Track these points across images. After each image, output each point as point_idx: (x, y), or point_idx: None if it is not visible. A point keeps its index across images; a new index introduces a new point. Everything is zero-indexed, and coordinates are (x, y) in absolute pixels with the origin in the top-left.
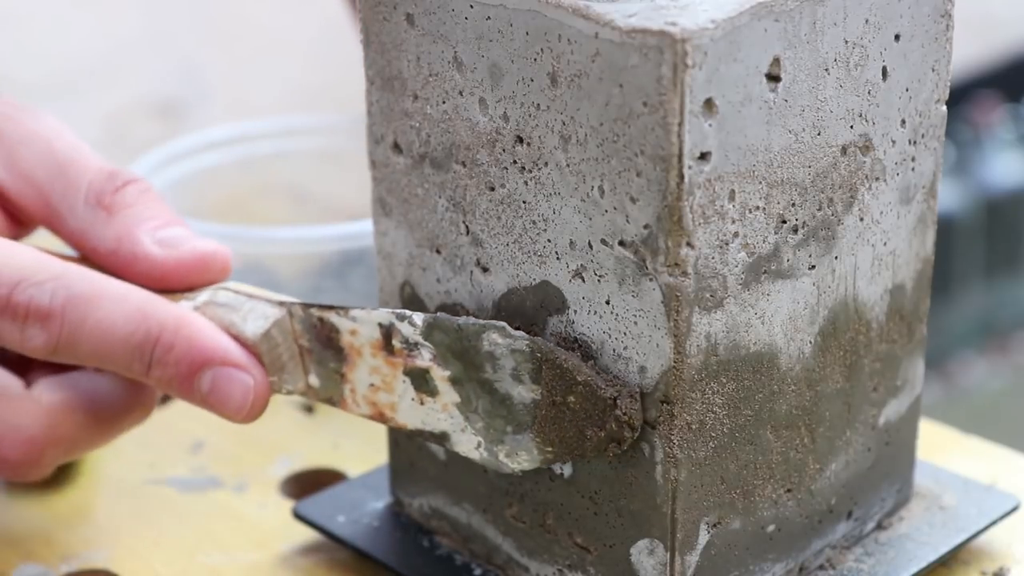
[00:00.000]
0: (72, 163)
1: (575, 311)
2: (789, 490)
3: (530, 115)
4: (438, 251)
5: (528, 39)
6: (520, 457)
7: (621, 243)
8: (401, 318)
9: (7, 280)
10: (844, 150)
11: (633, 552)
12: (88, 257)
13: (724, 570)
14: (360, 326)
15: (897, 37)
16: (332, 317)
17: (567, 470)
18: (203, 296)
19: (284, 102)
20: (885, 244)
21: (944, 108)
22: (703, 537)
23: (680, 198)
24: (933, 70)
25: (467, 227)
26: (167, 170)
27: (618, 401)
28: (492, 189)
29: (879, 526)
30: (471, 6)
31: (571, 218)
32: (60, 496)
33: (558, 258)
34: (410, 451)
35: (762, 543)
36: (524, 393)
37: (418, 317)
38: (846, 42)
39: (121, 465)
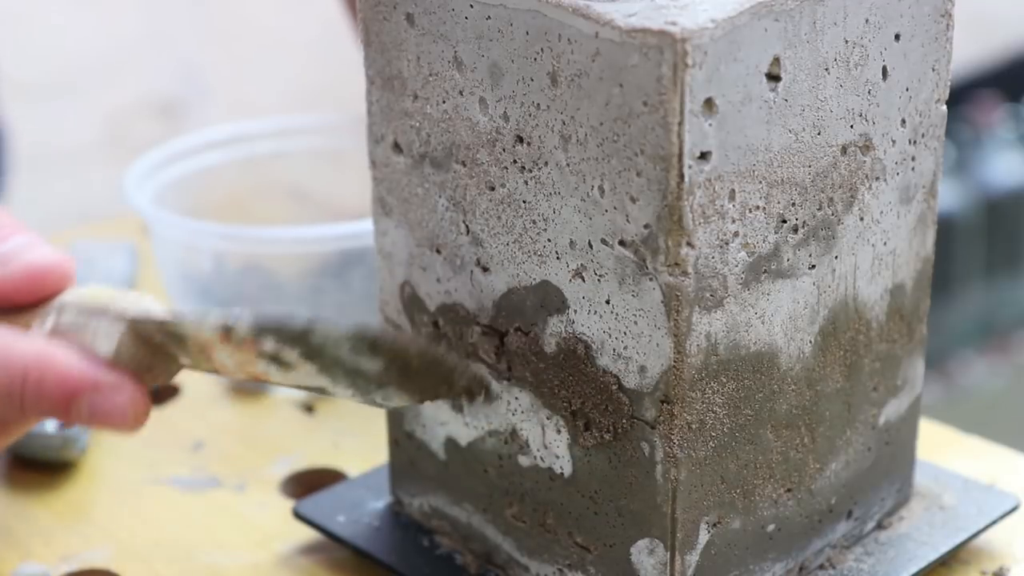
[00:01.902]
0: None
1: (575, 311)
2: (789, 490)
3: (530, 115)
4: (438, 251)
5: (528, 39)
6: (393, 400)
7: (621, 243)
8: (230, 324)
9: None
10: (844, 150)
11: (633, 552)
12: None
13: (724, 569)
14: (199, 328)
15: (897, 37)
16: (171, 327)
17: (567, 470)
18: (49, 322)
19: (284, 102)
20: (885, 244)
21: (944, 108)
22: (703, 536)
23: (680, 198)
24: (933, 70)
25: (467, 227)
26: (167, 170)
27: (458, 365)
28: (492, 189)
29: (879, 526)
30: (471, 6)
31: (571, 218)
32: (60, 496)
33: (558, 258)
34: (410, 451)
35: (762, 542)
36: (369, 364)
37: (244, 321)
38: (846, 42)
39: (121, 465)
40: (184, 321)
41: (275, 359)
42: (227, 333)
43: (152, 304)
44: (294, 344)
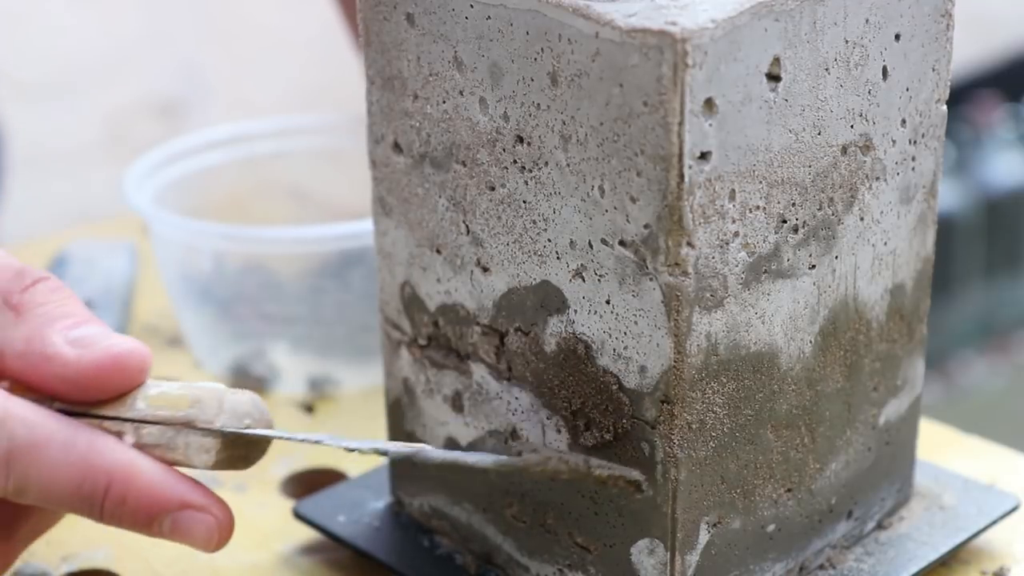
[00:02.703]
0: None
1: (575, 311)
2: (789, 490)
3: (530, 115)
4: (438, 251)
5: (528, 39)
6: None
7: (621, 243)
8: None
9: None
10: (844, 150)
11: (633, 552)
12: None
13: (724, 570)
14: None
15: (897, 37)
16: (264, 445)
17: None
18: (129, 438)
19: (284, 102)
20: (885, 244)
21: (944, 108)
22: (703, 537)
23: (680, 198)
24: (933, 70)
25: (467, 227)
26: (167, 170)
27: None
28: (492, 189)
29: (879, 526)
30: (471, 6)
31: (571, 218)
32: None
33: (558, 258)
34: None
35: (762, 543)
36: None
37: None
38: (846, 42)
39: None
40: (294, 438)
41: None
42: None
43: (233, 399)
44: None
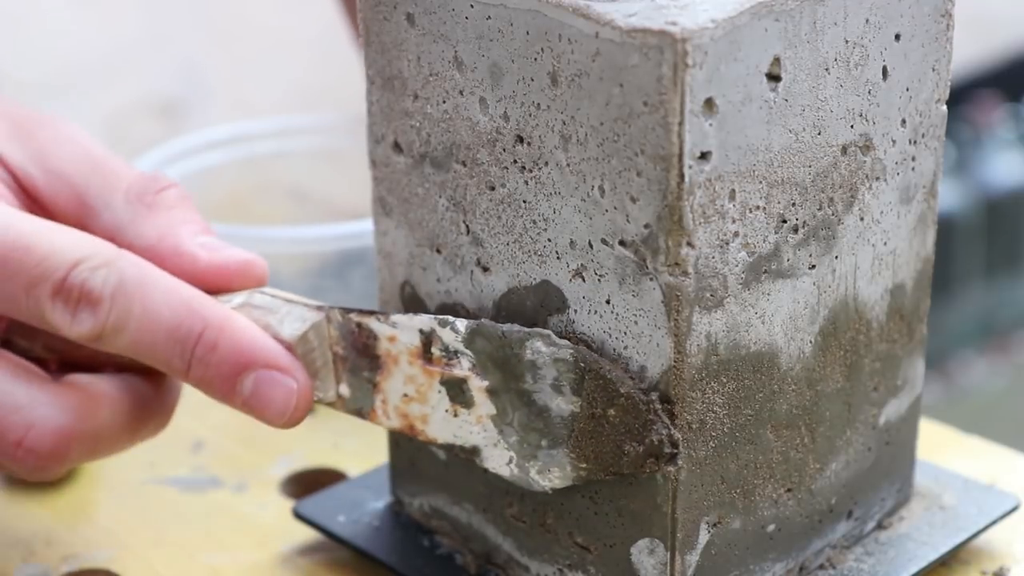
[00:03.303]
0: (108, 163)
1: (575, 311)
2: (789, 490)
3: (530, 115)
4: (438, 251)
5: (528, 39)
6: (552, 474)
7: (621, 243)
8: (443, 324)
9: (62, 262)
10: (844, 150)
11: (633, 551)
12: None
13: (724, 570)
14: (400, 332)
15: (897, 37)
16: (372, 323)
17: None
18: (239, 298)
19: (285, 102)
20: (885, 244)
21: (944, 108)
22: (703, 536)
23: (680, 198)
24: (933, 70)
25: (467, 227)
26: (167, 170)
27: (661, 416)
28: (492, 189)
29: (879, 526)
30: (471, 6)
31: (571, 218)
32: (61, 496)
33: (558, 258)
34: (410, 451)
35: (762, 543)
36: (563, 405)
37: (461, 323)
38: (846, 42)
39: (121, 465)
40: (390, 317)
41: (456, 392)
42: (428, 342)
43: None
44: (496, 365)
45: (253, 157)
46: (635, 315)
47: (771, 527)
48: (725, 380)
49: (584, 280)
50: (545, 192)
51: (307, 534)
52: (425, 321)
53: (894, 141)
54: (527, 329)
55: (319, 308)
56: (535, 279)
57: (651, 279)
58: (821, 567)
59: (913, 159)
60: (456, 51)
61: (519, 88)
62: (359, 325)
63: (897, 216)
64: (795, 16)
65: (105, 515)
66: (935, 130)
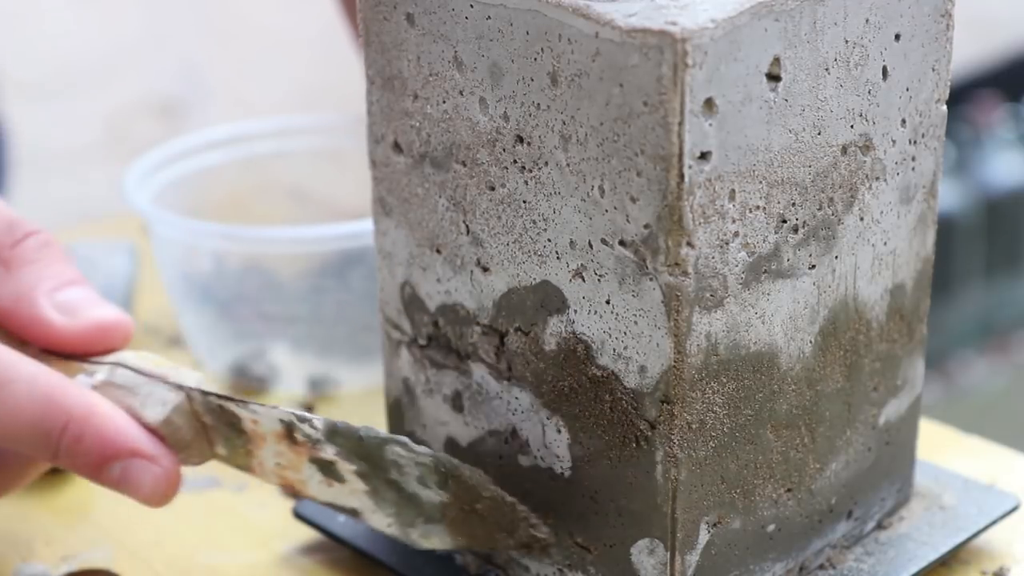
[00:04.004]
0: None
1: (575, 311)
2: (789, 490)
3: (530, 115)
4: (438, 251)
5: (528, 39)
6: (433, 540)
7: (621, 243)
8: (302, 420)
9: None
10: (844, 150)
11: (633, 552)
12: None
13: (724, 569)
14: (260, 419)
15: (897, 37)
16: (232, 407)
17: (567, 470)
18: (101, 374)
19: (285, 102)
20: (885, 244)
21: (944, 108)
22: (703, 536)
23: (680, 198)
24: (933, 70)
25: (467, 227)
26: (167, 170)
27: (528, 517)
28: (492, 189)
29: (879, 526)
30: (471, 6)
31: (571, 218)
32: (61, 496)
33: (558, 258)
34: None
35: (762, 542)
36: (432, 496)
37: (318, 421)
38: (846, 42)
39: None
40: (248, 406)
41: (327, 469)
42: (290, 430)
43: (203, 383)
44: (359, 457)
45: (253, 157)
46: (635, 315)
47: (771, 527)
48: (725, 380)
49: (584, 280)
50: (545, 192)
51: (307, 534)
52: (284, 414)
53: (894, 141)
54: (384, 435)
55: (179, 388)
56: (535, 279)
57: (651, 279)
58: (821, 567)
59: (913, 159)
60: (456, 51)
61: (519, 88)
62: (220, 407)
63: (897, 216)
64: (795, 16)
65: (105, 515)
66: (935, 130)
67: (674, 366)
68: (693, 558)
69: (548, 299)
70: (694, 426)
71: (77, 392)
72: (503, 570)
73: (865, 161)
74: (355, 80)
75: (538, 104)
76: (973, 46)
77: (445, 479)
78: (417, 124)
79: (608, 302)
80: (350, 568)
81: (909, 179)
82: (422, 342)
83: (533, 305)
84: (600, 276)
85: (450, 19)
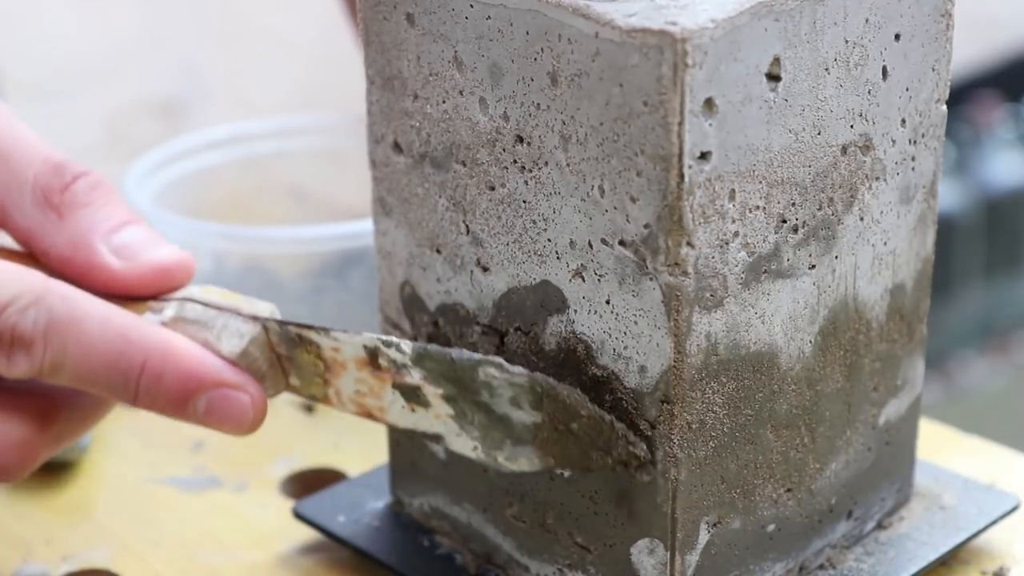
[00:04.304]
0: (13, 154)
1: (575, 311)
2: (789, 490)
3: (530, 115)
4: (438, 251)
5: (528, 39)
6: (520, 462)
7: (621, 242)
8: (388, 345)
9: None
10: (844, 150)
11: (633, 551)
12: (41, 260)
13: (724, 569)
14: (343, 346)
15: (897, 37)
16: (311, 335)
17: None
18: (170, 311)
19: (285, 102)
20: (885, 244)
21: (944, 108)
22: (703, 536)
23: (680, 197)
24: (933, 70)
25: (467, 227)
26: (167, 170)
27: (626, 434)
28: (492, 189)
29: (879, 525)
30: (471, 5)
31: (571, 218)
32: (61, 495)
33: (558, 258)
34: (411, 451)
35: (762, 542)
36: (524, 417)
37: (407, 345)
38: (846, 42)
39: (121, 465)
40: (330, 333)
41: (410, 394)
42: (375, 355)
43: (277, 311)
44: (448, 380)
45: (253, 157)
46: (635, 315)
47: (771, 527)
48: (725, 380)
49: (584, 280)
50: (545, 192)
51: (307, 534)
52: (369, 339)
53: (894, 141)
54: (478, 356)
55: (255, 319)
56: (535, 279)
57: (651, 279)
58: (821, 567)
59: (913, 159)
60: (456, 51)
61: (519, 88)
62: (299, 336)
63: (897, 216)
64: (795, 16)
65: (105, 515)
66: (935, 130)
67: (674, 366)
68: (693, 558)
69: (548, 299)
70: (694, 426)
71: (151, 329)
72: (503, 570)
73: (865, 161)
74: (355, 80)
75: (538, 104)
76: (973, 46)
77: (540, 399)
78: (417, 124)
79: (608, 302)
80: (350, 568)
81: (909, 179)
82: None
83: (533, 305)
84: (600, 276)
85: (450, 19)
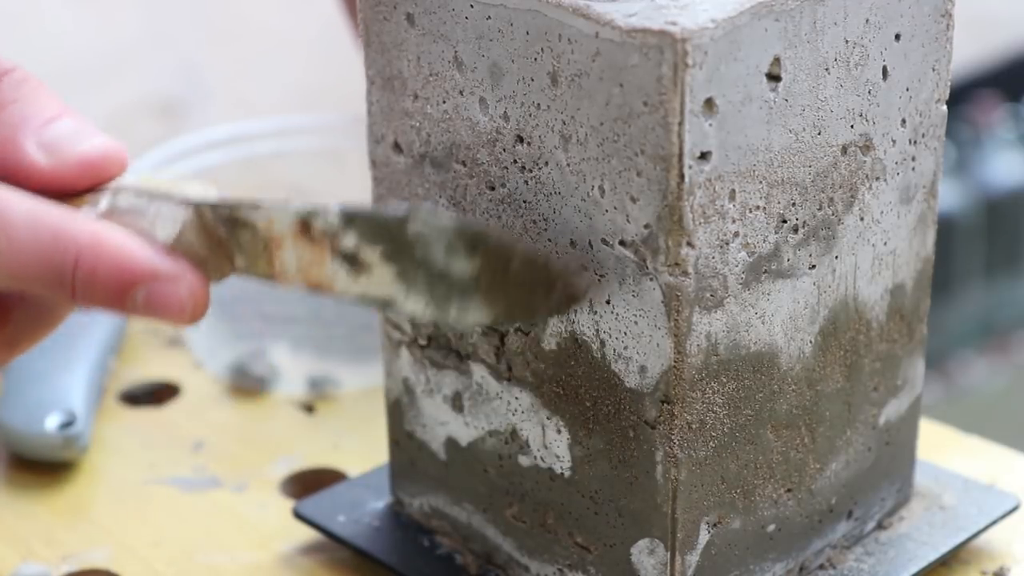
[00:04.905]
0: None
1: (575, 310)
2: (789, 490)
3: (530, 115)
4: None
5: (528, 39)
6: (471, 314)
7: (621, 243)
8: (314, 213)
9: None
10: (844, 150)
11: (633, 552)
12: None
13: (724, 570)
14: (275, 216)
15: (897, 37)
16: (244, 213)
17: (567, 470)
18: (104, 202)
19: (285, 102)
20: (885, 244)
21: (944, 108)
22: (703, 537)
23: (680, 198)
24: (933, 70)
25: None
26: (167, 170)
27: (564, 272)
28: (492, 189)
29: (879, 526)
30: (471, 6)
31: (571, 218)
32: (61, 495)
33: (558, 258)
34: (411, 451)
35: (762, 543)
36: (462, 266)
37: (334, 208)
38: (846, 42)
39: (121, 465)
40: (261, 207)
41: (351, 259)
42: (306, 224)
43: (214, 193)
44: (381, 238)
45: (253, 157)
46: (635, 315)
47: (771, 527)
48: (725, 380)
49: None
50: (545, 192)
51: (307, 534)
52: (298, 206)
53: (894, 141)
54: (401, 210)
55: (187, 203)
56: None
57: (651, 279)
58: (821, 567)
59: (913, 159)
60: (456, 51)
61: (519, 88)
62: (232, 215)
63: (897, 216)
64: (795, 16)
65: (105, 515)
66: (935, 130)
67: (674, 366)
68: (693, 558)
69: None
70: (694, 426)
71: (82, 222)
72: (503, 570)
73: (865, 161)
74: (355, 80)
75: (538, 104)
76: (973, 46)
77: (473, 244)
78: (417, 124)
79: (608, 302)
80: (350, 568)
81: (909, 179)
82: (422, 342)
83: None
84: (600, 276)
85: (450, 19)
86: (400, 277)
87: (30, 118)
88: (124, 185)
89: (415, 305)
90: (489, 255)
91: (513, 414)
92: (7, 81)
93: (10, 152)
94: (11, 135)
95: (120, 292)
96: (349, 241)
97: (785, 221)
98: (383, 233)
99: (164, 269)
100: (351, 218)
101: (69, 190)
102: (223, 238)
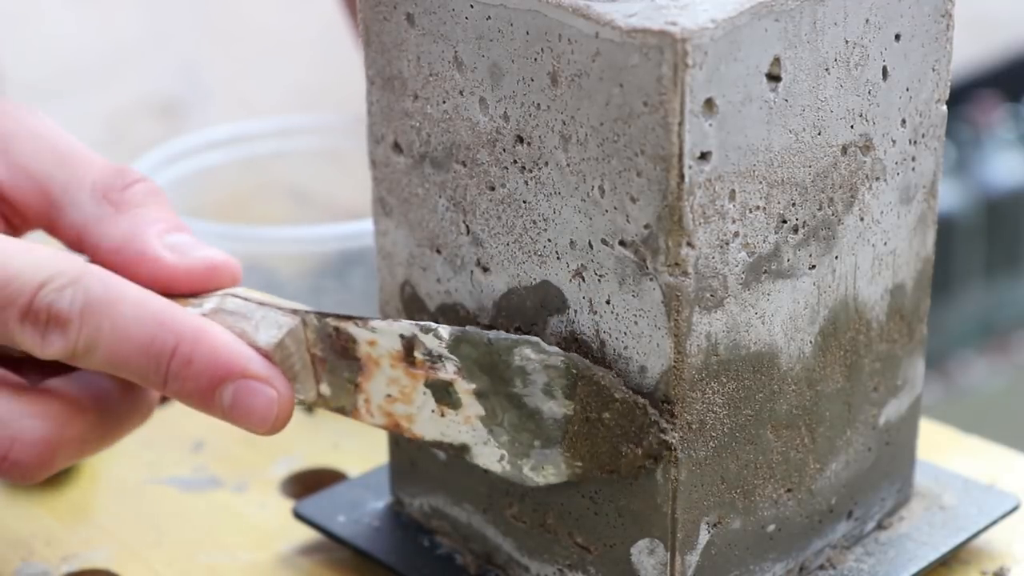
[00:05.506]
0: (74, 156)
1: (575, 311)
2: (789, 490)
3: (530, 115)
4: (438, 251)
5: (528, 39)
6: (547, 471)
7: (621, 243)
8: (426, 331)
9: (29, 284)
10: (844, 150)
11: (633, 552)
12: (89, 254)
13: (724, 570)
14: (380, 337)
15: (897, 37)
16: (350, 328)
17: None
18: (211, 303)
19: (285, 102)
20: (885, 244)
21: (944, 108)
22: (703, 537)
23: (680, 198)
24: (933, 70)
25: (467, 227)
26: (167, 170)
27: (658, 421)
28: (492, 189)
29: (879, 526)
30: (471, 6)
31: (571, 218)
32: (61, 496)
33: (558, 258)
34: (411, 451)
35: (762, 543)
36: (555, 408)
37: (444, 330)
38: (846, 42)
39: (121, 465)
40: (369, 323)
41: (442, 393)
42: (410, 346)
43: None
44: (483, 370)
45: (253, 157)
46: (635, 315)
47: (771, 527)
48: (725, 380)
49: (584, 280)
50: (545, 192)
51: (307, 534)
52: (407, 327)
53: (894, 141)
54: (515, 336)
55: (294, 312)
56: (535, 279)
57: (651, 279)
58: (821, 567)
59: (913, 159)
60: (456, 51)
61: (519, 88)
62: (336, 330)
63: (897, 216)
64: (795, 16)
65: (105, 515)
66: (935, 130)
67: (674, 366)
68: (693, 558)
69: (548, 299)
70: (694, 426)
71: (185, 314)
72: (503, 570)
73: (865, 161)
74: (355, 80)
75: (538, 104)
76: (973, 46)
77: (574, 384)
78: (417, 124)
79: (608, 302)
80: (350, 568)
81: (909, 179)
82: None
83: (533, 305)
84: (600, 276)
85: (450, 19)
86: (485, 420)
87: (157, 220)
88: (235, 292)
89: (490, 456)
90: (587, 398)
91: None
92: (140, 187)
93: (136, 243)
94: (138, 229)
95: (210, 385)
96: (448, 370)
97: (785, 221)
98: (486, 362)
99: (257, 369)
100: (460, 340)
101: (183, 290)
102: (317, 357)
